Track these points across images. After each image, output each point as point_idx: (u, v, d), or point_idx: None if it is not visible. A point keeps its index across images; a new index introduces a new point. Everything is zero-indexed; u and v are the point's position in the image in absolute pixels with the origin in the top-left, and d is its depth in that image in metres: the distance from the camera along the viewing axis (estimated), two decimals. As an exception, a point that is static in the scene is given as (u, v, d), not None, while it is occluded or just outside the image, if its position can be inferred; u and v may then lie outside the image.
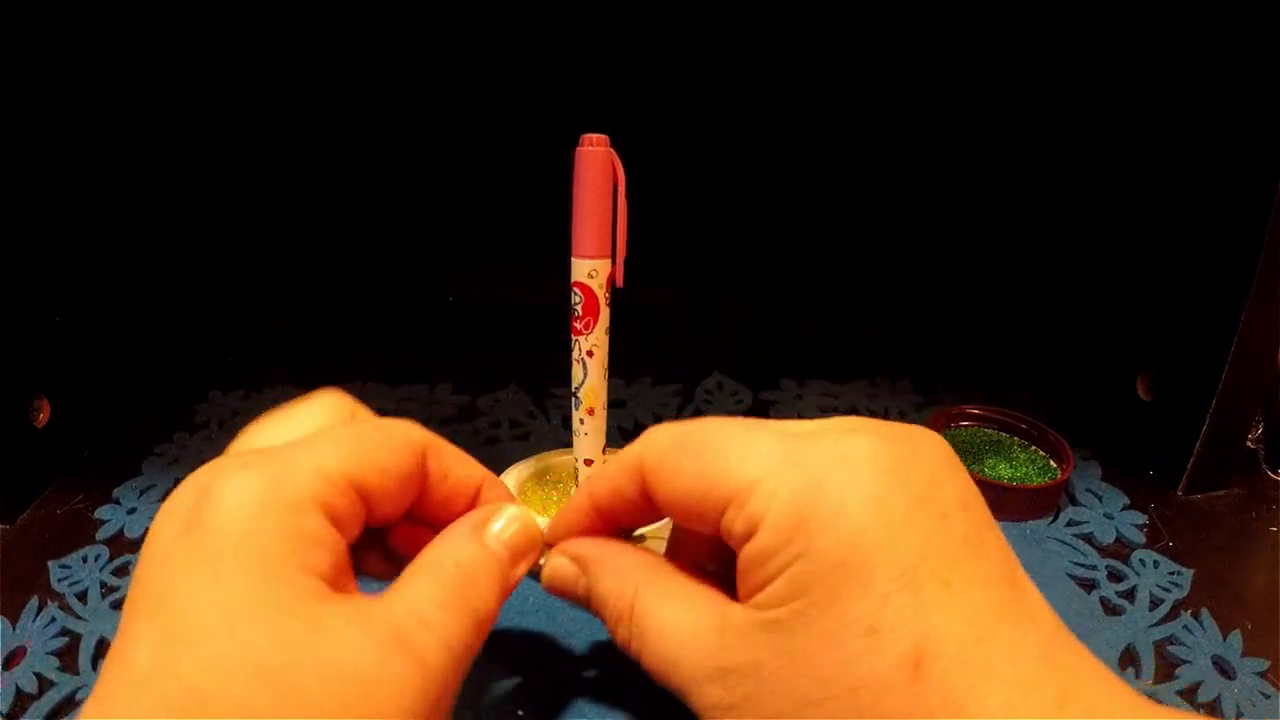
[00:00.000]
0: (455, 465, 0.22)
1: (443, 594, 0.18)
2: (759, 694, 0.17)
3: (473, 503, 0.22)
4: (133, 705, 0.15)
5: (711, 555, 0.22)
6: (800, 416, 0.47)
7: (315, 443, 0.19)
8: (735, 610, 0.18)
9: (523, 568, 0.21)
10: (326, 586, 0.17)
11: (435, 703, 0.17)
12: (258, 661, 0.15)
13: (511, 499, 0.23)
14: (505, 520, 0.21)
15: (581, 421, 0.32)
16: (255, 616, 0.15)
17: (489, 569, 0.20)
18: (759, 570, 0.17)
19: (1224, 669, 0.29)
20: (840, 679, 0.16)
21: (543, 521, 0.31)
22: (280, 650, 0.15)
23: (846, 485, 0.17)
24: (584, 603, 0.22)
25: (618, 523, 0.23)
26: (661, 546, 0.24)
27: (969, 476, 0.18)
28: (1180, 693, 0.27)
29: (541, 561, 0.23)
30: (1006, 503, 0.36)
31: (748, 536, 0.18)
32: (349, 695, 0.15)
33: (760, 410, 0.48)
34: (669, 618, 0.19)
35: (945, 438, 0.21)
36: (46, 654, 0.28)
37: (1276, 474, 0.41)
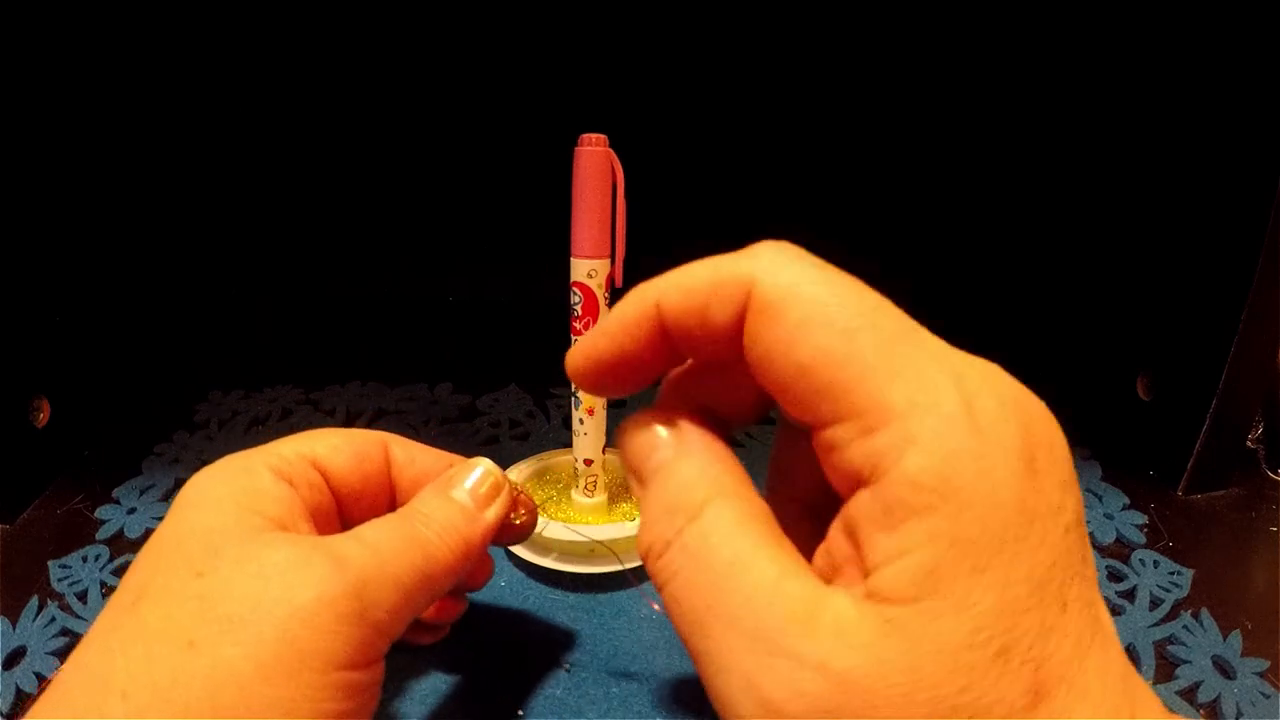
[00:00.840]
0: (420, 454, 0.25)
1: (384, 523, 0.21)
2: (844, 715, 0.13)
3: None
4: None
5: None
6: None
7: (279, 440, 0.22)
8: (837, 595, 0.14)
9: (492, 511, 0.23)
10: (272, 524, 0.19)
11: (358, 596, 0.18)
12: (190, 562, 0.18)
13: (483, 467, 0.24)
14: (469, 474, 0.23)
15: (581, 421, 0.32)
16: (195, 536, 0.19)
17: (444, 510, 0.22)
18: (885, 536, 0.14)
19: (1224, 669, 0.29)
20: (959, 710, 0.13)
21: (540, 522, 0.31)
22: (211, 556, 0.18)
23: (1001, 465, 0.13)
24: (639, 483, 0.18)
25: (670, 353, 0.18)
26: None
27: (1079, 486, 0.16)
28: (1180, 693, 0.27)
29: (520, 513, 0.25)
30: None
31: (865, 475, 0.14)
32: (268, 583, 0.17)
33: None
34: (740, 554, 0.15)
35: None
36: (46, 654, 0.28)
37: (1276, 474, 0.41)
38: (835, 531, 0.15)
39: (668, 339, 0.17)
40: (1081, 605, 0.14)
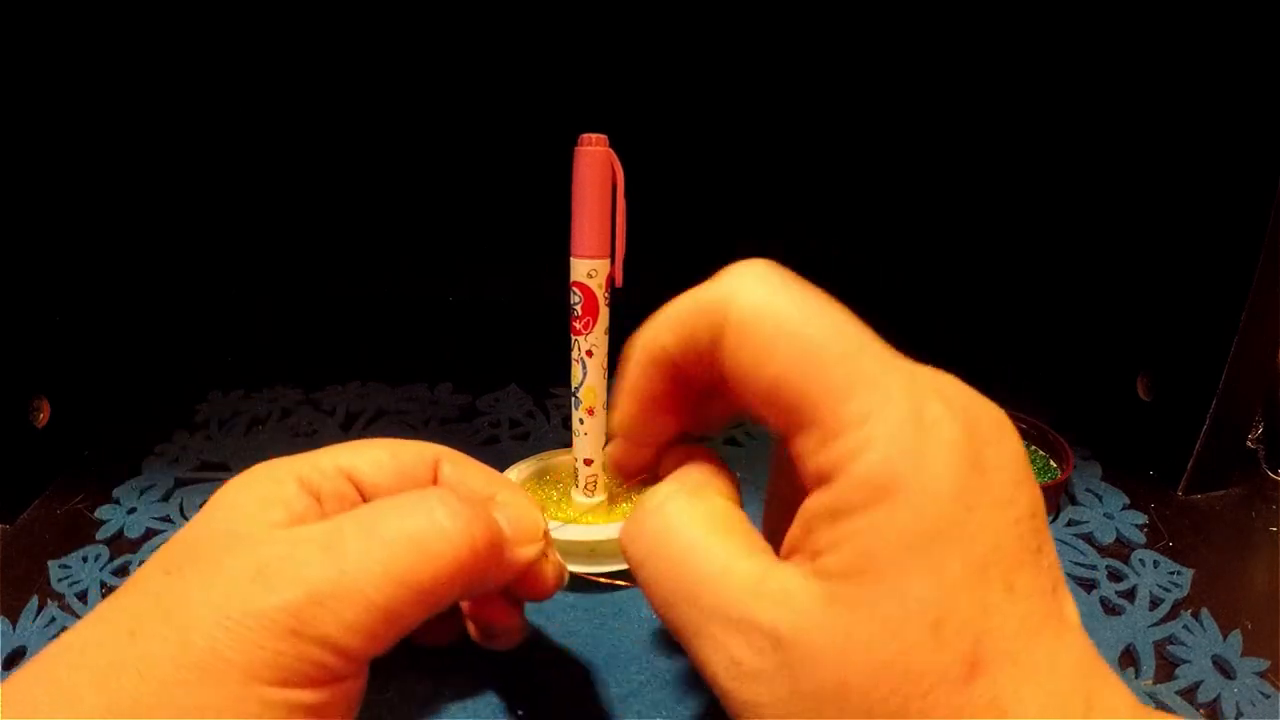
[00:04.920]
0: (472, 474, 0.24)
1: (389, 508, 0.20)
2: (791, 669, 0.15)
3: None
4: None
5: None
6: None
7: (325, 449, 0.22)
8: (784, 569, 0.16)
9: (525, 550, 0.22)
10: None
11: (295, 612, 0.17)
12: (165, 561, 0.19)
13: (527, 502, 0.24)
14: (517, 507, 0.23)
15: (581, 421, 0.32)
16: (186, 540, 0.19)
17: (468, 514, 0.20)
18: (830, 527, 0.16)
19: (1224, 669, 0.29)
20: (893, 669, 0.15)
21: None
22: (185, 557, 0.19)
23: (941, 463, 0.15)
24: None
25: (681, 389, 0.20)
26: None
27: (1035, 482, 0.17)
28: (1180, 693, 0.27)
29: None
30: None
31: (823, 477, 0.16)
32: (211, 587, 0.17)
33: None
34: (695, 541, 0.18)
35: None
36: (46, 654, 0.28)
37: (1276, 474, 0.41)
38: (795, 524, 0.17)
39: (678, 371, 0.20)
40: (1032, 591, 0.16)
